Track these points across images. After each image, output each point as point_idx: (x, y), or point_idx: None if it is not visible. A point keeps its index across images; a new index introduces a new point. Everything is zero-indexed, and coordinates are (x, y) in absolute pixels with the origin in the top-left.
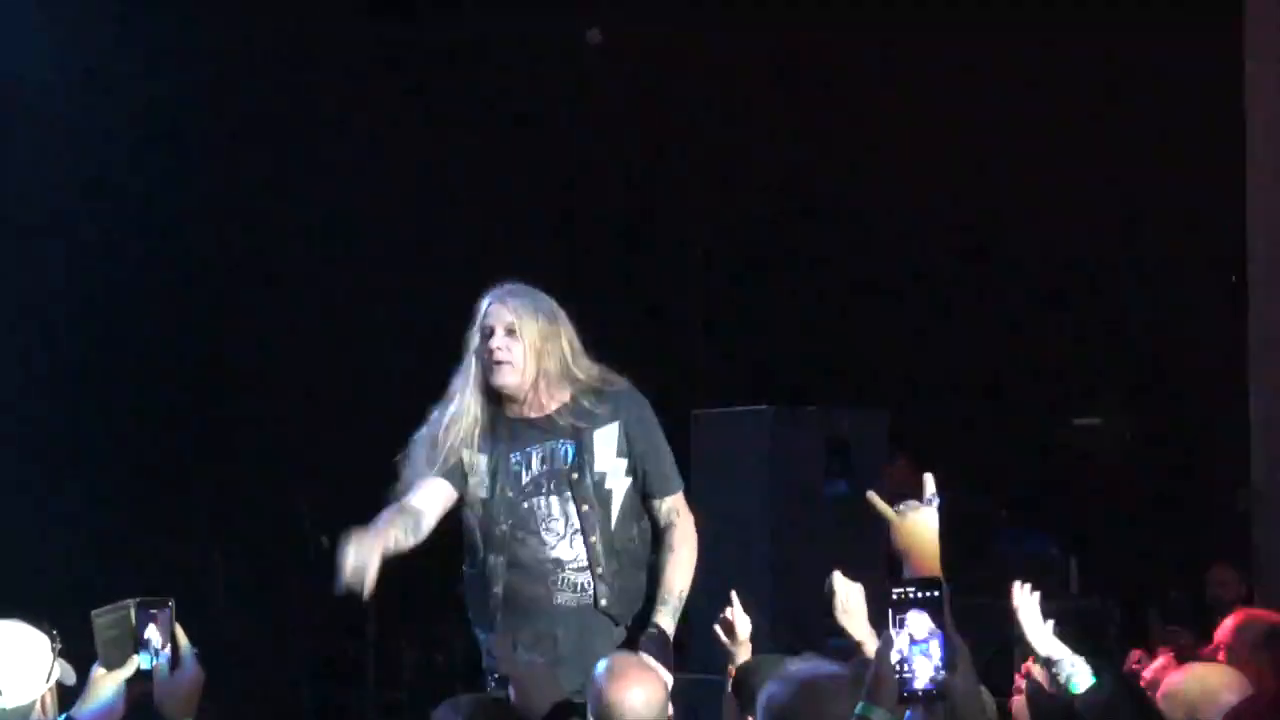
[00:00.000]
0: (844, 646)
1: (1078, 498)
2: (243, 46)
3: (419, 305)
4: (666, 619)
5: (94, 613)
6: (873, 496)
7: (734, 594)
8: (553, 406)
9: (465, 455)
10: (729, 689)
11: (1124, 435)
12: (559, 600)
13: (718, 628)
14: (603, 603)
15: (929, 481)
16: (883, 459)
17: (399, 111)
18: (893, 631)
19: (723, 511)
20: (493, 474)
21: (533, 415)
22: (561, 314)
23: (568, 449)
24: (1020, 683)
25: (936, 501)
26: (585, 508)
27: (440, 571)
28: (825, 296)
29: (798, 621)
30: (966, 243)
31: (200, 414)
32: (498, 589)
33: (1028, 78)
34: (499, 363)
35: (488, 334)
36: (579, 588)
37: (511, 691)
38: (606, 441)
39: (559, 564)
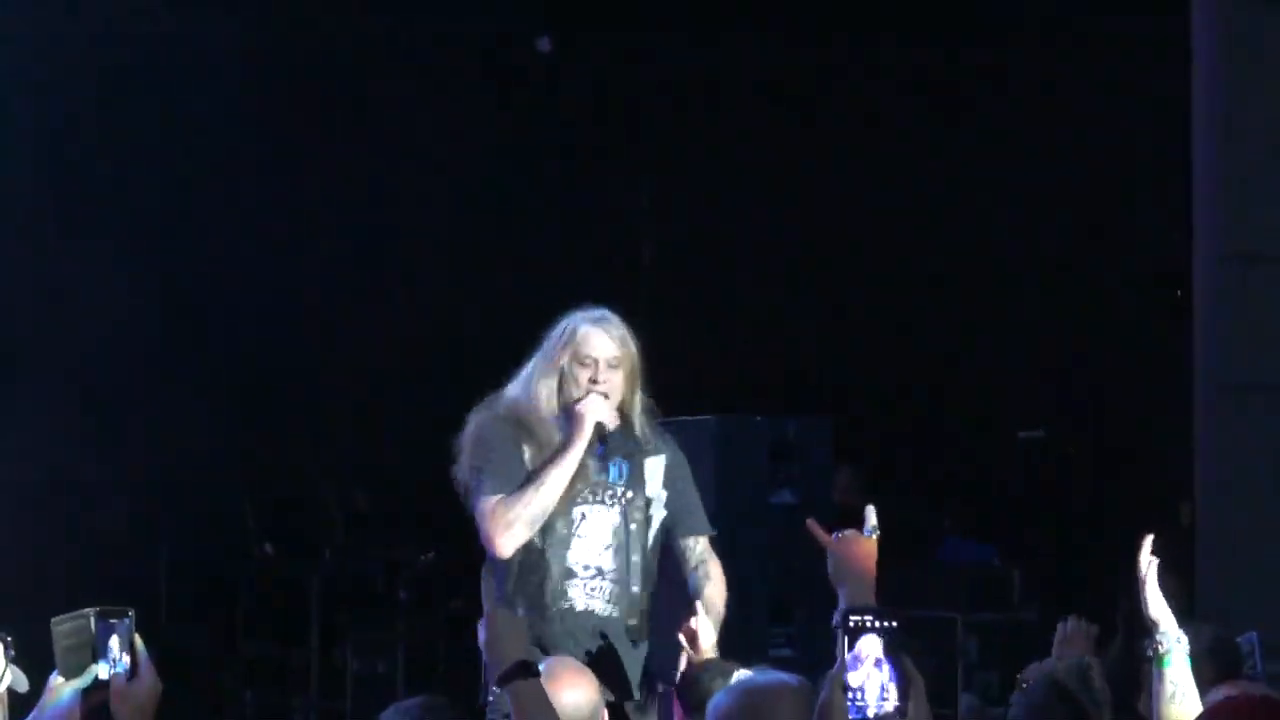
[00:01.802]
0: (786, 656)
1: (1021, 510)
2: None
3: (366, 318)
4: (710, 632)
5: (53, 620)
6: (812, 525)
7: (698, 604)
8: (612, 425)
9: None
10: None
11: (1067, 448)
12: (592, 606)
13: (681, 636)
14: (631, 622)
15: (870, 513)
16: (828, 468)
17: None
18: (846, 657)
19: None
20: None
21: None
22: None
23: (622, 467)
24: None
25: (876, 534)
26: (633, 526)
27: (384, 578)
28: (770, 305)
29: (743, 630)
30: (912, 253)
31: (146, 421)
32: (554, 578)
33: (978, 88)
34: (602, 395)
35: (589, 364)
36: (612, 597)
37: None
38: (655, 471)
39: (600, 572)
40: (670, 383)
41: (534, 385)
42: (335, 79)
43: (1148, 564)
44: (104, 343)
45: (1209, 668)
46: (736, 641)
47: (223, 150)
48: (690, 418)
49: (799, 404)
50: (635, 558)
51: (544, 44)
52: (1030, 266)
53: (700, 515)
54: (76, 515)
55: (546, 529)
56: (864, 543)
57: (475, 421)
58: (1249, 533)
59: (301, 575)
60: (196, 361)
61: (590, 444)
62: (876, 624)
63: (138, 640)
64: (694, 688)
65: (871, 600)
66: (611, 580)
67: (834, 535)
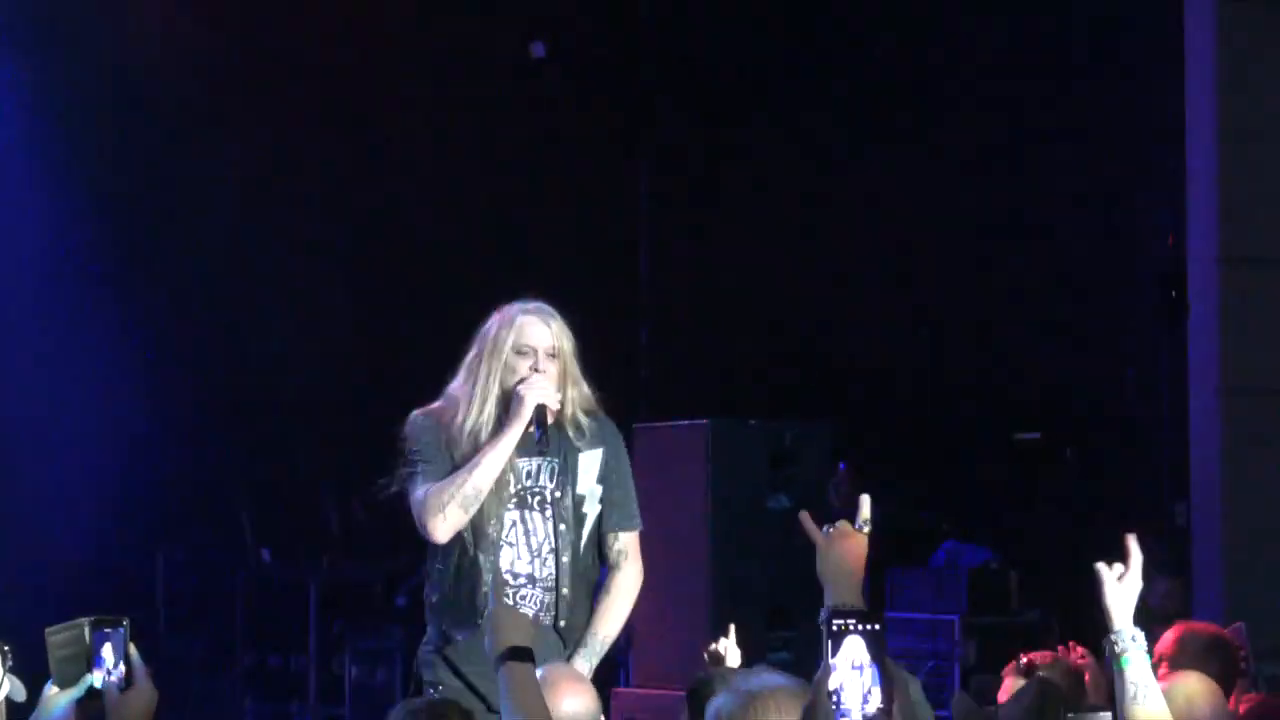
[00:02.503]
0: (784, 660)
1: (1018, 512)
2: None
3: (364, 323)
4: (582, 663)
5: (48, 630)
6: (804, 518)
7: (731, 626)
8: (554, 407)
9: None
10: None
11: (1064, 451)
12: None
13: (706, 656)
14: (561, 623)
15: (865, 503)
16: (826, 471)
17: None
18: (830, 660)
19: (664, 525)
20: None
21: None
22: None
23: (554, 465)
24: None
25: (868, 528)
26: (562, 527)
27: (383, 587)
28: (769, 308)
29: (739, 635)
30: (911, 256)
31: (143, 427)
32: (486, 588)
33: (975, 89)
34: (544, 379)
35: (528, 353)
36: (544, 605)
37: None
38: (589, 466)
39: (531, 580)
40: (667, 386)
41: (469, 381)
42: (330, 78)
43: (1112, 566)
44: (101, 348)
45: (1205, 667)
46: (736, 646)
47: (225, 144)
48: (686, 421)
49: (796, 408)
50: (565, 559)
51: (538, 49)
52: (1026, 268)
53: (629, 509)
54: (73, 522)
55: (478, 535)
56: (854, 538)
57: (407, 422)
58: (1245, 534)
59: (300, 583)
60: (195, 368)
61: (528, 431)
62: (859, 626)
63: (133, 650)
64: (703, 693)
65: (858, 599)
66: (543, 588)
67: (824, 530)
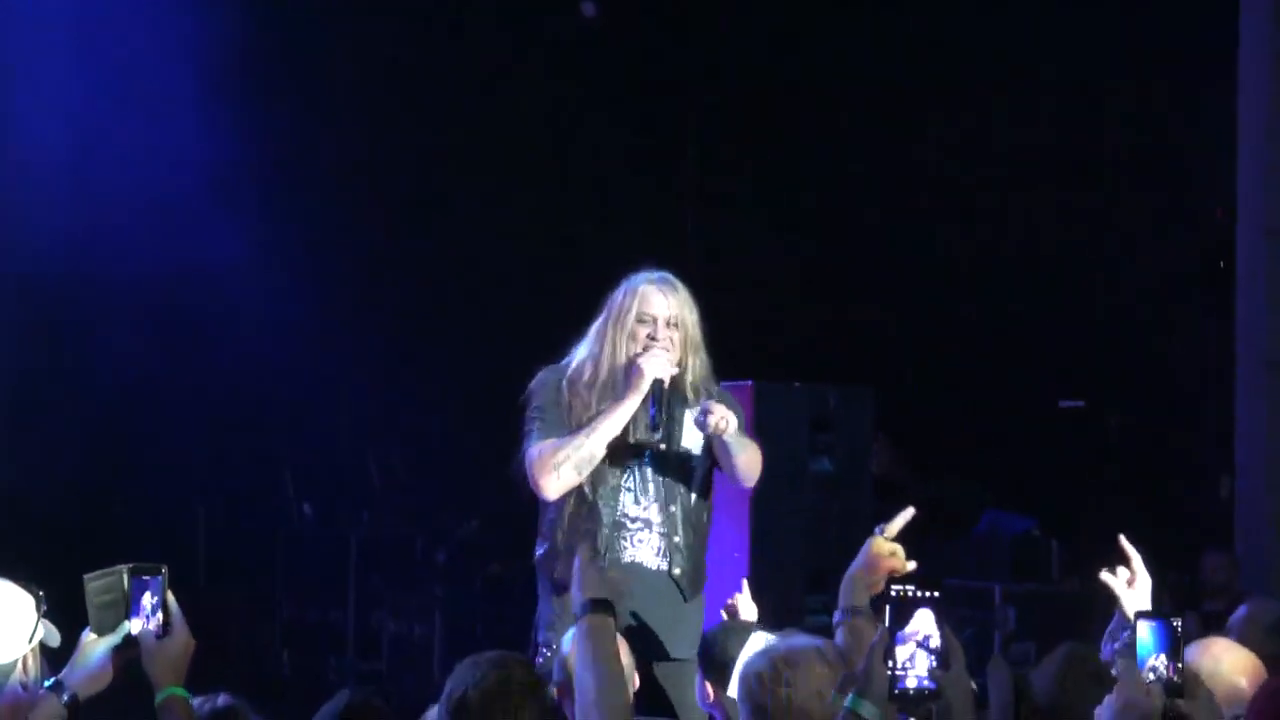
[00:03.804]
0: (823, 623)
1: (1062, 481)
2: None
3: (413, 282)
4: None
5: (86, 577)
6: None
7: (744, 582)
8: (669, 380)
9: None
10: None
11: (1108, 419)
12: (640, 558)
13: (724, 612)
14: (676, 570)
15: (901, 517)
16: (867, 437)
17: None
18: (889, 628)
19: None
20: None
21: None
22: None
23: (668, 422)
24: None
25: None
26: (671, 477)
27: (423, 543)
28: (812, 273)
29: (778, 597)
30: (956, 223)
31: (185, 383)
32: (605, 529)
33: (1021, 58)
34: (663, 350)
35: (648, 321)
36: (660, 551)
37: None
38: (690, 422)
39: (648, 524)
40: (712, 349)
41: (593, 345)
42: (372, 44)
43: (1115, 572)
44: (139, 304)
45: (1272, 643)
46: (775, 609)
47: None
48: (729, 383)
49: (841, 374)
50: (674, 508)
51: (588, 8)
52: (1074, 238)
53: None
54: (115, 475)
55: (598, 481)
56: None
57: (535, 379)
58: None
59: (340, 538)
60: (235, 324)
61: (645, 398)
62: (920, 594)
63: (170, 597)
64: (712, 650)
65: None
66: (659, 533)
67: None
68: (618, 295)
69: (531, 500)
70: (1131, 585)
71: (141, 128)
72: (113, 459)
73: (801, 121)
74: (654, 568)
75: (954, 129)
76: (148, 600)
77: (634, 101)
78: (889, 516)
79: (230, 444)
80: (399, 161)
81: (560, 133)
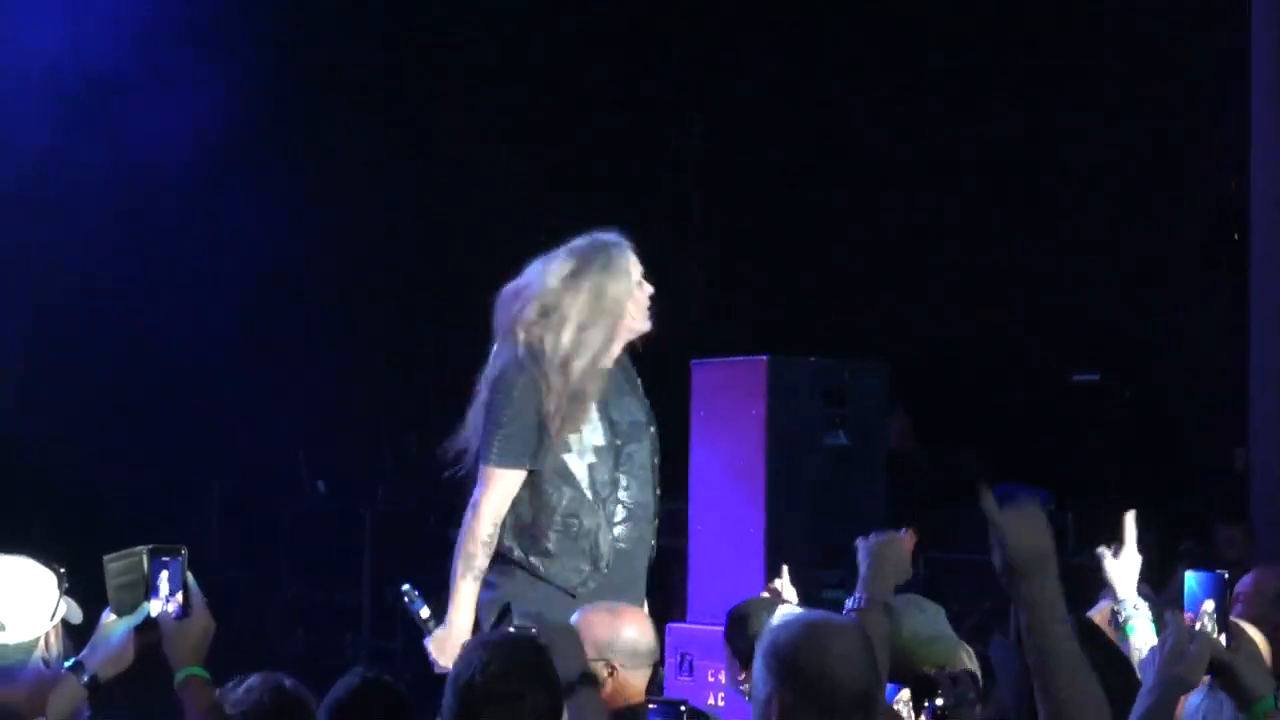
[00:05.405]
0: (838, 598)
1: (1075, 454)
2: None
3: (423, 260)
4: None
5: (106, 558)
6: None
7: (785, 568)
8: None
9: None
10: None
11: (1122, 392)
12: (636, 549)
13: (765, 595)
14: (651, 544)
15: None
16: (882, 411)
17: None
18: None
19: (719, 461)
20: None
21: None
22: None
23: (643, 403)
24: None
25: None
26: (656, 460)
27: (437, 520)
28: (826, 246)
29: (794, 572)
30: (970, 196)
31: (198, 361)
32: (609, 535)
33: (1037, 30)
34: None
35: (638, 282)
36: (647, 534)
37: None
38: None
39: (644, 507)
40: (725, 322)
41: (594, 311)
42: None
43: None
44: (158, 286)
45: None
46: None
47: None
48: (743, 357)
49: (854, 347)
50: (659, 491)
51: None
52: (1086, 209)
53: None
54: (130, 452)
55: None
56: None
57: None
58: None
59: (354, 515)
60: (253, 302)
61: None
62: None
63: (190, 579)
64: (741, 626)
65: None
66: (650, 518)
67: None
68: (614, 260)
69: None
70: (1118, 557)
71: None
72: (127, 435)
73: (815, 94)
74: (645, 550)
75: (969, 105)
76: (166, 581)
77: (640, 73)
78: (903, 490)
79: (244, 423)
80: (406, 144)
81: (564, 103)
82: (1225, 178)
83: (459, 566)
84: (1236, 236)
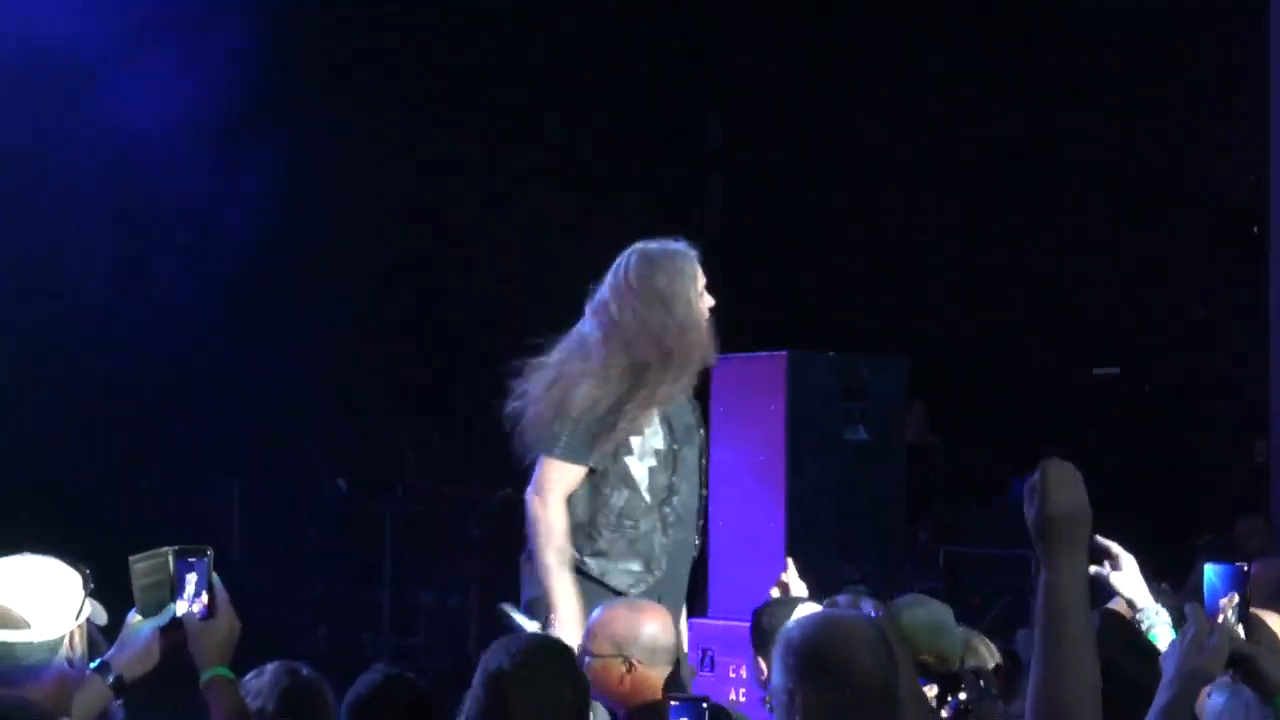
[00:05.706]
0: (858, 592)
1: (1096, 448)
2: None
3: (439, 255)
4: None
5: (132, 559)
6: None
7: (790, 560)
8: None
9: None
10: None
11: (1143, 385)
12: (688, 550)
13: (775, 591)
14: (695, 544)
15: None
16: (902, 406)
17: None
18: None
19: (739, 456)
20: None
21: None
22: None
23: (694, 404)
24: None
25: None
26: (704, 461)
27: (457, 515)
28: (846, 241)
29: (813, 567)
30: (990, 191)
31: (215, 359)
32: (662, 528)
33: (1058, 25)
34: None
35: (704, 290)
36: (698, 531)
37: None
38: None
39: (697, 509)
40: (744, 318)
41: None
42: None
43: (1103, 564)
44: (174, 278)
45: None
46: (807, 578)
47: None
48: (763, 353)
49: (873, 342)
50: (705, 491)
51: None
52: (1107, 202)
53: None
54: (151, 451)
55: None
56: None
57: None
58: None
59: (375, 513)
60: (270, 297)
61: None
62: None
63: (216, 579)
64: (764, 627)
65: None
66: (695, 520)
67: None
68: (683, 269)
69: None
70: (1117, 568)
71: None
72: (148, 435)
73: (838, 87)
74: (695, 549)
75: (988, 98)
76: (192, 582)
77: (658, 65)
78: (922, 484)
79: (264, 420)
80: (417, 128)
81: (582, 96)
82: (1245, 171)
83: (548, 561)
84: (1256, 230)
